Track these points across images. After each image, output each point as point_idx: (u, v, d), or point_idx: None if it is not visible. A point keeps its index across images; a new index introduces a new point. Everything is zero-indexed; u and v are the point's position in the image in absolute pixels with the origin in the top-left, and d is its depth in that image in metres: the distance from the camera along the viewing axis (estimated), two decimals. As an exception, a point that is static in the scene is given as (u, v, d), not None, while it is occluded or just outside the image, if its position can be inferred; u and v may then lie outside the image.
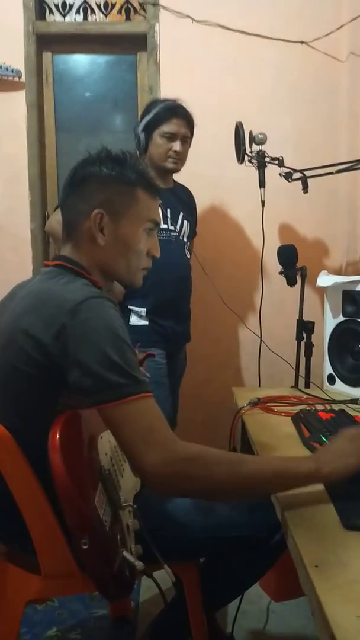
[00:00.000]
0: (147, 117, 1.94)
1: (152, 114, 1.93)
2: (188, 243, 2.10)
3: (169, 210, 1.99)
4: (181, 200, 2.10)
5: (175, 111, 1.93)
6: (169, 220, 1.99)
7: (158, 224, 1.17)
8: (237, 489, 0.96)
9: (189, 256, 2.09)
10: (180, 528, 1.14)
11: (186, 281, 2.08)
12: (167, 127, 1.92)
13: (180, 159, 1.96)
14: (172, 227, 1.99)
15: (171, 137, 1.93)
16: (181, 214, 2.04)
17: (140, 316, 1.93)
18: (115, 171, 1.10)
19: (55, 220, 1.91)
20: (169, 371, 2.02)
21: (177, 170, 2.01)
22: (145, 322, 1.93)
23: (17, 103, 2.43)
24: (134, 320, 1.93)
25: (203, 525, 1.16)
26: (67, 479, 0.88)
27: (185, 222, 2.06)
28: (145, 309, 1.93)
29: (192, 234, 2.16)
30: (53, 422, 0.93)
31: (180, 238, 2.04)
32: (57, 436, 0.90)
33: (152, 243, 1.16)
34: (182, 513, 1.16)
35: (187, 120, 1.96)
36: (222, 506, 1.20)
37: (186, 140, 1.97)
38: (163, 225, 1.95)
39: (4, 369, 1.00)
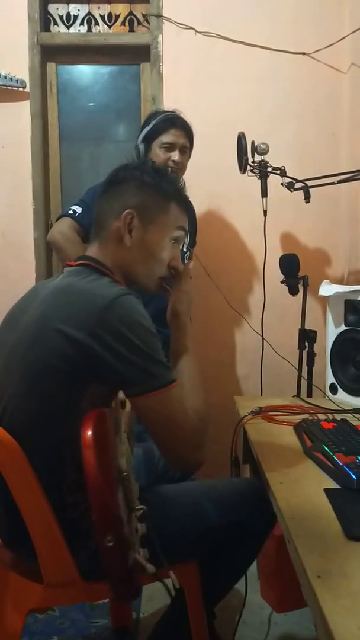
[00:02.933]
0: (147, 129, 1.97)
1: (151, 125, 1.96)
2: (188, 253, 2.11)
3: None
4: None
5: (174, 122, 1.95)
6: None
7: (186, 232, 1.21)
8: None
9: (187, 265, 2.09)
10: (178, 528, 1.15)
11: None
12: (166, 138, 1.94)
13: (179, 168, 1.97)
14: None
15: (170, 148, 1.95)
16: None
17: None
18: (154, 180, 1.15)
19: (57, 230, 1.92)
20: None
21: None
22: None
23: (21, 113, 2.45)
24: None
25: (200, 523, 1.17)
26: (100, 475, 0.89)
27: None
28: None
29: (192, 243, 2.17)
30: (82, 419, 0.95)
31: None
32: (90, 432, 0.91)
33: (175, 254, 1.19)
34: (178, 513, 1.18)
35: (186, 130, 1.98)
36: (214, 496, 1.23)
37: (185, 150, 1.99)
38: None
39: (35, 366, 1.00)
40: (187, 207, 1.21)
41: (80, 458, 0.89)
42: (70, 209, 1.95)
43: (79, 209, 1.93)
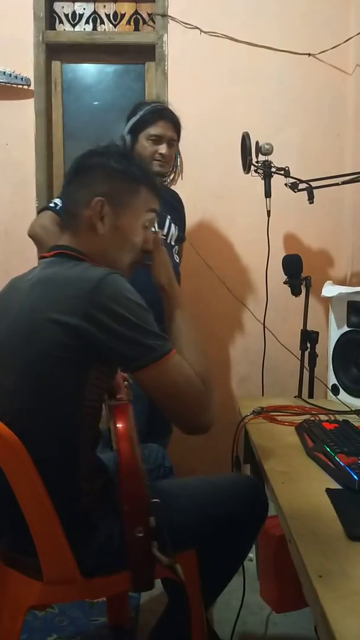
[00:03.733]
0: (133, 119, 1.93)
1: (138, 115, 1.92)
2: (176, 247, 2.09)
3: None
4: (169, 204, 2.06)
5: (162, 114, 1.92)
6: (156, 223, 1.94)
7: (157, 213, 1.20)
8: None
9: (177, 260, 2.07)
10: (177, 519, 1.14)
11: None
12: (154, 130, 1.91)
13: (166, 161, 1.95)
14: (159, 230, 1.95)
15: (157, 140, 1.92)
16: (168, 217, 2.02)
17: None
18: (122, 165, 1.13)
19: (38, 224, 1.87)
20: None
21: (162, 174, 1.99)
22: None
23: (26, 111, 2.45)
24: None
25: (197, 513, 1.18)
26: (136, 466, 0.90)
27: (173, 225, 2.04)
28: None
29: (181, 238, 2.14)
30: (115, 412, 1.00)
31: (168, 242, 2.01)
32: (124, 424, 0.93)
33: (147, 237, 1.18)
34: (176, 505, 1.17)
35: (174, 123, 1.95)
36: (210, 488, 1.25)
37: (172, 143, 1.96)
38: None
39: (35, 359, 1.00)
40: (156, 189, 1.19)
41: (91, 447, 0.89)
42: (51, 202, 1.91)
43: (60, 202, 1.87)
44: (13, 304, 1.07)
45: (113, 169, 1.13)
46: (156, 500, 1.06)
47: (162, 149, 1.92)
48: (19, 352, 1.02)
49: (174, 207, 2.11)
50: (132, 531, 0.90)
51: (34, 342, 1.00)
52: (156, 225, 1.96)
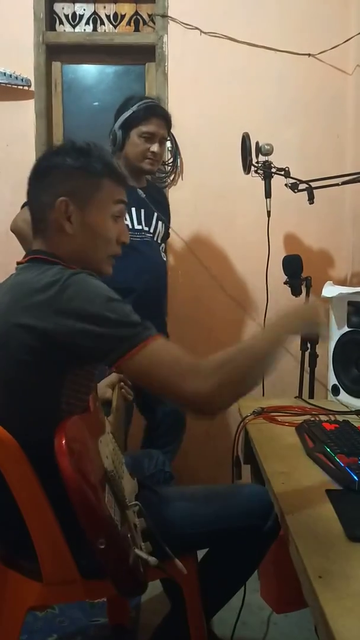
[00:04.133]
0: (125, 115, 1.90)
1: (130, 111, 1.89)
2: (163, 245, 2.07)
3: (142, 211, 1.95)
4: (155, 200, 2.05)
5: (155, 111, 1.90)
6: (143, 221, 1.95)
7: (125, 204, 1.17)
8: (260, 366, 1.06)
9: (164, 258, 2.07)
10: (179, 524, 1.16)
11: (162, 281, 2.04)
12: (146, 127, 1.89)
13: (157, 159, 1.94)
14: (146, 228, 1.96)
15: (149, 138, 1.90)
16: (155, 214, 2.00)
17: None
18: (79, 162, 1.11)
19: (21, 219, 1.85)
20: None
21: (153, 172, 1.99)
22: None
23: (26, 112, 2.46)
24: None
25: (201, 520, 1.18)
26: (79, 480, 0.89)
27: (160, 222, 2.02)
28: None
29: (166, 235, 2.13)
30: (58, 424, 0.94)
31: (155, 239, 2.00)
32: (63, 440, 0.91)
33: (121, 229, 1.16)
34: (179, 509, 1.19)
35: (166, 120, 1.93)
36: (217, 499, 1.25)
37: (163, 141, 1.95)
38: (137, 226, 1.92)
39: (7, 366, 1.00)
40: (121, 179, 1.16)
41: None
42: None
43: None
44: None
45: (71, 166, 1.10)
46: (136, 502, 1.07)
47: (154, 147, 1.90)
48: None
49: (160, 203, 2.09)
50: (94, 544, 0.89)
51: (6, 349, 0.99)
52: (144, 223, 1.94)
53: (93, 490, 0.92)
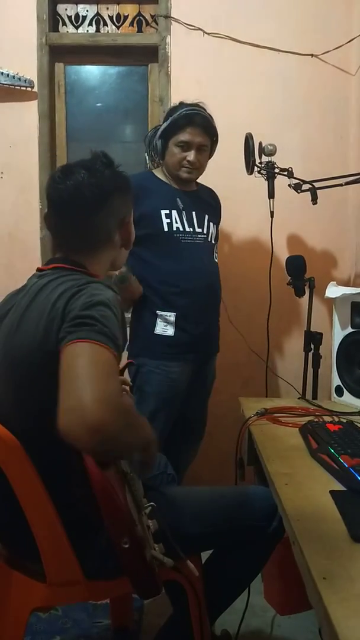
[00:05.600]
0: (165, 125, 1.92)
1: (169, 121, 1.91)
2: (216, 245, 2.08)
3: (194, 213, 1.96)
4: (206, 203, 2.07)
5: (191, 120, 1.89)
6: (195, 223, 1.95)
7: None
8: (134, 442, 0.94)
9: (216, 259, 2.05)
10: (184, 525, 1.16)
11: (215, 287, 2.02)
12: (182, 136, 1.89)
13: (195, 167, 1.93)
14: (199, 230, 1.96)
15: (186, 147, 1.90)
16: (206, 216, 2.01)
17: (167, 322, 1.88)
18: (117, 182, 1.18)
19: None
20: (199, 383, 1.99)
21: (192, 180, 1.99)
22: (170, 333, 1.89)
23: (29, 113, 2.46)
24: (159, 329, 1.89)
25: (206, 521, 1.19)
26: (106, 480, 0.89)
27: (212, 224, 2.03)
28: (174, 314, 1.88)
29: (218, 236, 2.13)
30: None
31: (209, 240, 2.00)
32: None
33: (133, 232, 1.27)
34: (185, 511, 1.19)
35: (204, 128, 1.91)
36: (222, 500, 1.25)
37: (203, 148, 1.93)
38: (188, 229, 1.93)
39: (31, 376, 1.00)
40: (127, 187, 1.22)
41: (81, 453, 0.89)
42: None
43: None
44: (15, 322, 1.07)
45: (119, 188, 1.18)
46: (150, 504, 1.07)
47: (190, 155, 1.90)
48: (10, 371, 1.03)
49: (211, 205, 2.10)
50: (118, 543, 0.89)
51: (34, 367, 0.99)
52: (196, 224, 1.96)
53: (119, 490, 0.93)
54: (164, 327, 1.89)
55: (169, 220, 1.90)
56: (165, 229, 1.89)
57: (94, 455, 0.90)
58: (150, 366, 1.88)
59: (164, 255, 1.89)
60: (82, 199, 1.12)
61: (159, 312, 1.89)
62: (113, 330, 0.92)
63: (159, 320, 1.89)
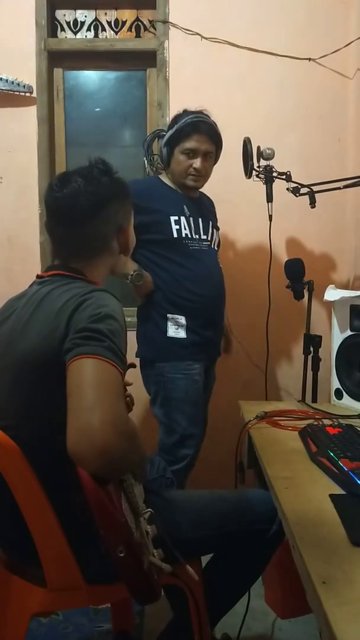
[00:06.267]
0: (170, 132, 1.92)
1: (174, 129, 1.91)
2: (218, 251, 2.09)
3: (200, 220, 1.98)
4: (208, 210, 2.10)
5: (197, 127, 1.90)
6: (201, 230, 1.97)
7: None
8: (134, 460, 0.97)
9: (220, 265, 2.07)
10: (185, 529, 1.16)
11: (222, 292, 2.05)
12: (188, 144, 1.89)
13: (201, 175, 1.94)
14: (204, 237, 1.98)
15: (191, 154, 1.91)
16: (210, 223, 2.03)
17: (178, 325, 1.90)
18: (116, 187, 1.19)
19: None
20: (203, 386, 2.00)
21: (198, 187, 2.00)
22: (183, 335, 1.90)
23: (28, 118, 2.47)
24: (172, 332, 1.90)
25: (206, 524, 1.19)
26: (99, 492, 0.89)
27: (215, 230, 2.05)
28: (184, 317, 1.90)
29: (220, 243, 2.15)
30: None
31: (212, 247, 2.02)
32: None
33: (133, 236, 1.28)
34: (185, 514, 1.19)
35: (210, 135, 1.92)
36: (222, 504, 1.25)
37: (209, 155, 1.94)
38: (195, 235, 1.94)
39: (34, 384, 1.01)
40: (125, 192, 1.23)
41: None
42: None
43: None
44: (14, 329, 1.07)
45: (117, 194, 1.18)
46: (148, 510, 1.07)
47: (196, 163, 1.91)
48: (13, 379, 1.04)
49: (211, 212, 2.12)
50: (114, 552, 0.89)
51: (41, 373, 1.00)
52: (202, 231, 1.98)
53: (112, 498, 0.93)
54: (176, 330, 1.90)
55: (178, 227, 1.91)
56: (175, 235, 1.90)
57: (96, 474, 0.89)
58: (172, 372, 1.89)
59: (174, 261, 1.91)
60: (78, 207, 1.12)
61: (169, 315, 1.90)
62: (120, 346, 0.94)
63: (169, 323, 1.91)
